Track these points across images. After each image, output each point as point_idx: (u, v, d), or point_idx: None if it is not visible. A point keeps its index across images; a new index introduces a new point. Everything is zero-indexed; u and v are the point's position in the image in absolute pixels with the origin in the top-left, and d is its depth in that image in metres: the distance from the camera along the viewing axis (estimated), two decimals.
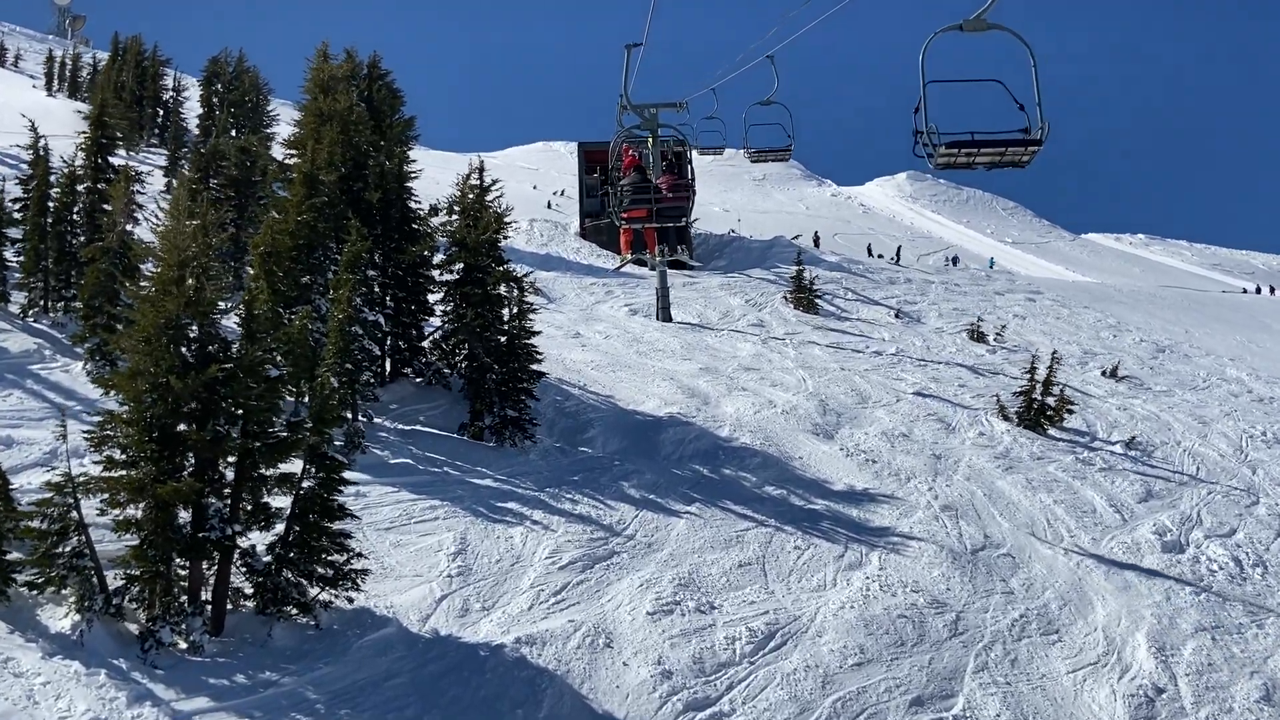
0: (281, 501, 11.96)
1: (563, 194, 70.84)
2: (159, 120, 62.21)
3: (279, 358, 14.46)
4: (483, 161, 22.06)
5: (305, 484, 11.81)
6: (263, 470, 11.66)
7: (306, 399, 16.34)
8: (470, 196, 20.77)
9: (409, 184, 22.53)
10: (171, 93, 61.35)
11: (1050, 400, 26.01)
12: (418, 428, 19.07)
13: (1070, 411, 26.33)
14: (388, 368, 21.13)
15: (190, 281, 11.37)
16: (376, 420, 18.75)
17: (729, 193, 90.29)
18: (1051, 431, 25.68)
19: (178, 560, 11.12)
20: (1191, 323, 51.74)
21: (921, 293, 45.69)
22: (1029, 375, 26.30)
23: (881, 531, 17.47)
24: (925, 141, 12.50)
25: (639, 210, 31.31)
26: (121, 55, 64.93)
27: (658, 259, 34.02)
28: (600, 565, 14.41)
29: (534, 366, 19.90)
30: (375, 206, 21.29)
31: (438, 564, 13.64)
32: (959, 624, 14.58)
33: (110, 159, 20.60)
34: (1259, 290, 69.38)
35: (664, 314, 34.01)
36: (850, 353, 32.65)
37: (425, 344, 21.28)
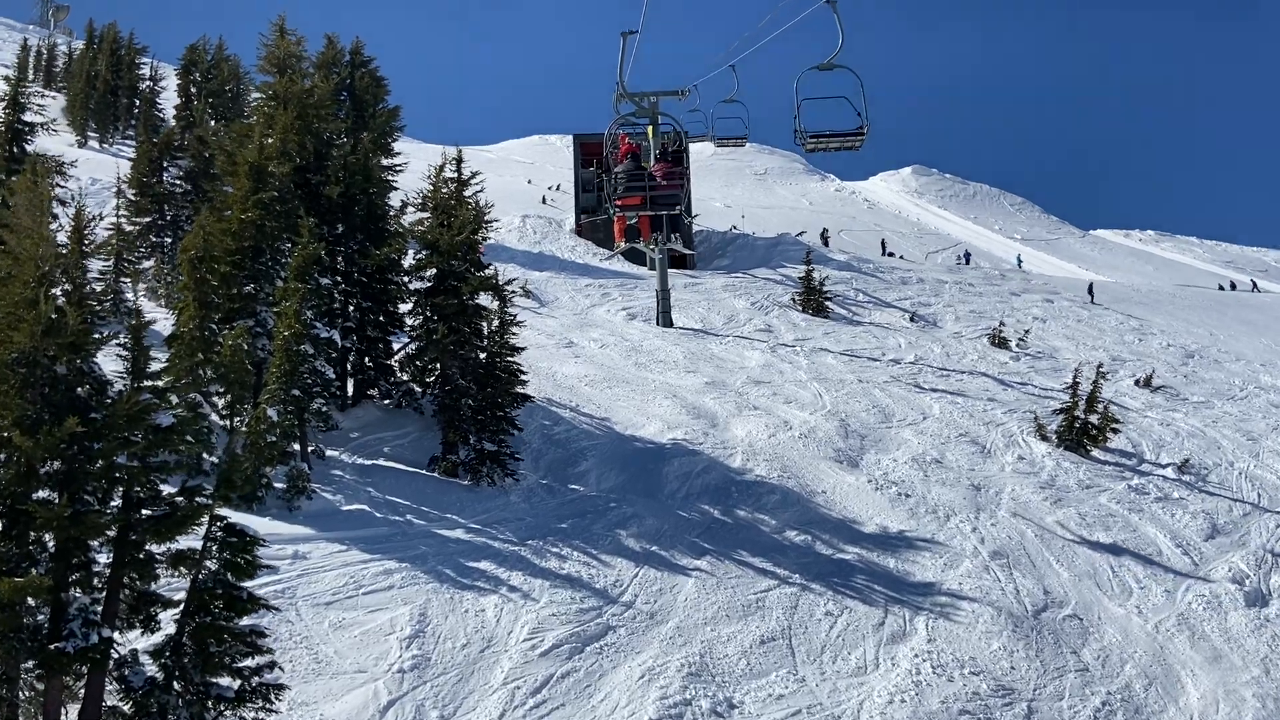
0: (178, 584, 9.26)
1: (558, 189, 68.03)
2: (135, 111, 59.44)
3: (177, 398, 11.70)
4: (461, 151, 19.27)
5: (207, 565, 9.09)
6: (151, 548, 8.95)
7: (245, 433, 13.67)
8: (444, 191, 18.01)
9: (391, 176, 19.81)
10: (148, 82, 58.51)
11: (1093, 418, 23.36)
12: (380, 462, 16.34)
13: (1115, 430, 23.71)
14: (350, 389, 18.41)
15: (51, 304, 8.64)
16: (331, 453, 16.04)
17: (730, 188, 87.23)
18: (1095, 453, 23.05)
19: (30, 673, 8.42)
20: (1215, 324, 49.27)
21: (935, 294, 43.02)
22: (1070, 390, 23.65)
23: (926, 589, 14.78)
24: None
25: (633, 198, 29.15)
26: (97, 44, 62.25)
27: (653, 247, 31.59)
28: (592, 648, 11.72)
29: (518, 389, 17.16)
30: (337, 202, 18.57)
31: (388, 653, 10.94)
32: (1033, 719, 11.92)
33: (26, 146, 17.80)
34: (1233, 286, 66.44)
35: (664, 318, 31.31)
36: (866, 361, 29.94)
37: (394, 362, 18.55)
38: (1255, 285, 69.47)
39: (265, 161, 17.01)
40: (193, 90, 57.40)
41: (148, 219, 25.20)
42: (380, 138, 33.37)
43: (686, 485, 17.29)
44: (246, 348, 14.10)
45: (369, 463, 16.19)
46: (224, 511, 9.09)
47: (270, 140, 17.77)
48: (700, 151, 72.47)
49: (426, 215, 18.47)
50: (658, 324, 31.12)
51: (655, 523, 15.48)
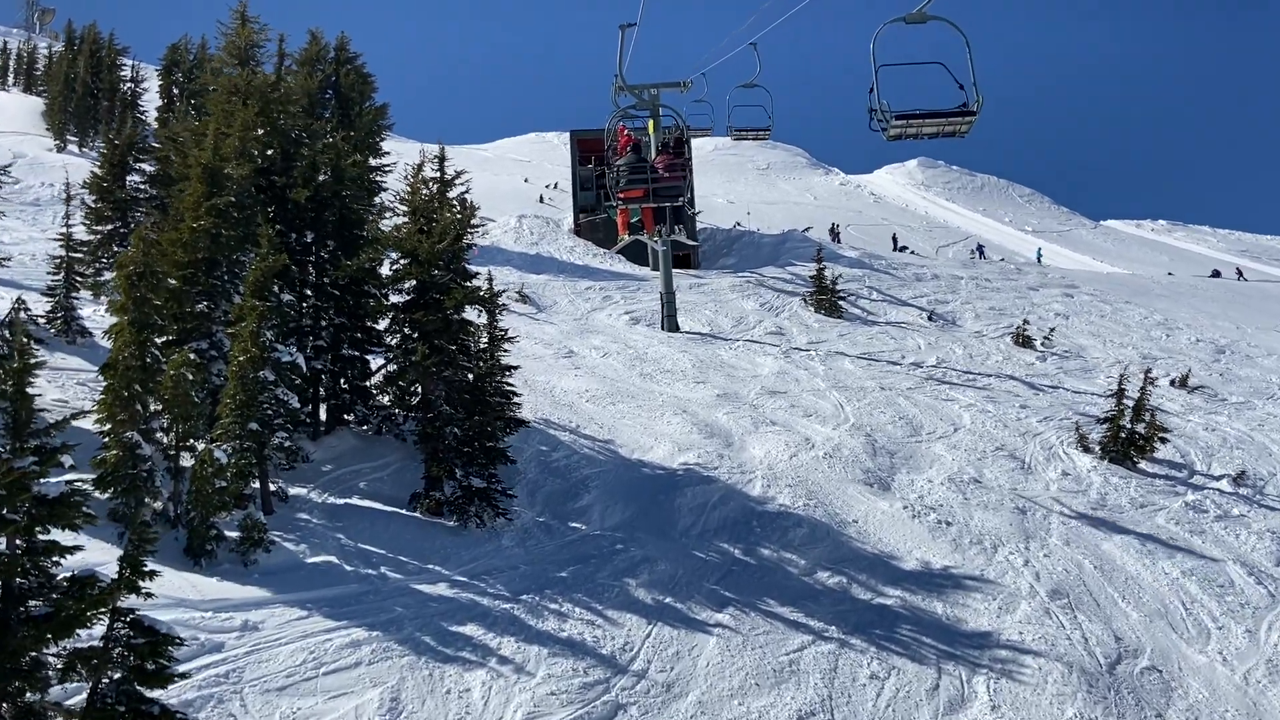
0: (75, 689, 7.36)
1: (555, 187, 66.11)
2: (116, 114, 57.58)
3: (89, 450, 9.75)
4: (443, 148, 17.32)
5: (109, 673, 7.18)
6: (42, 654, 7.05)
7: (188, 480, 11.75)
8: (424, 193, 16.07)
9: (379, 177, 17.88)
10: (129, 84, 56.64)
11: (1140, 428, 21.44)
12: (354, 501, 14.38)
13: (1163, 440, 21.78)
14: (323, 415, 16.48)
15: None
16: (298, 491, 14.11)
17: (732, 183, 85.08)
18: (1142, 464, 21.14)
19: None
20: (1240, 317, 47.23)
21: (952, 290, 41.05)
22: (1116, 397, 21.73)
23: (981, 640, 12.86)
24: None
25: (636, 190, 27.71)
26: (77, 45, 60.47)
27: (656, 239, 29.93)
28: None
29: (511, 414, 15.22)
30: (305, 207, 16.65)
31: None
32: None
33: None
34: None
35: (670, 322, 29.42)
36: (886, 365, 27.99)
37: (371, 384, 16.62)
38: (1240, 273, 67.19)
39: (221, 163, 15.09)
40: (174, 91, 55.65)
41: (109, 227, 23.28)
42: (367, 136, 31.51)
43: (702, 520, 15.34)
44: (192, 377, 12.19)
45: (341, 502, 14.24)
46: (130, 602, 7.19)
47: (228, 139, 15.85)
48: (701, 147, 70.31)
49: (405, 220, 16.55)
50: (663, 328, 29.26)
51: (668, 567, 13.54)
